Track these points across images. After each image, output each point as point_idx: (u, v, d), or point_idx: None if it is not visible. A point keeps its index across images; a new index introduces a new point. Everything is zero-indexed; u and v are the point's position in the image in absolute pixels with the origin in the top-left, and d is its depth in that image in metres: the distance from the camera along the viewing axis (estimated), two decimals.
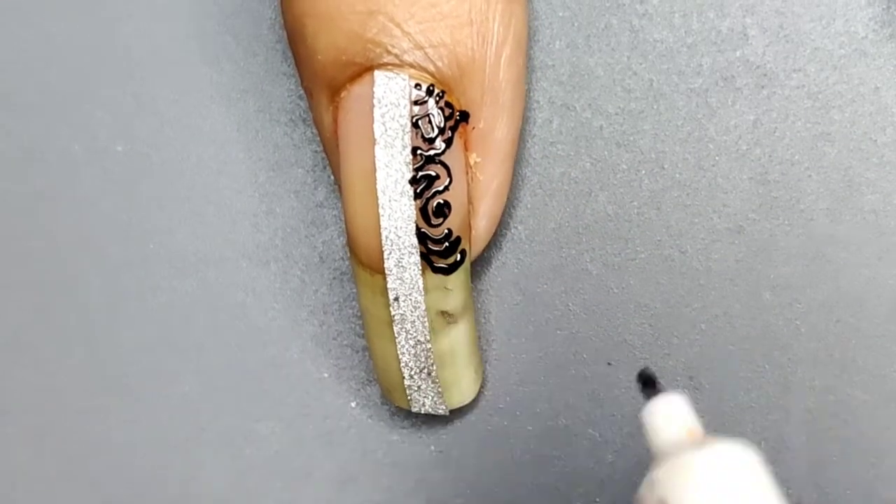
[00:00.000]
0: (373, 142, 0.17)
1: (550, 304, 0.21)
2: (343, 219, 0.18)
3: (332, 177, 0.21)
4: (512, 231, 0.21)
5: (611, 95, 0.20)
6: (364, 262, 0.18)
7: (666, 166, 0.20)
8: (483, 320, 0.21)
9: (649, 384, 0.16)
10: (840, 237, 0.20)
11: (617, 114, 0.20)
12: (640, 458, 0.21)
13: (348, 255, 0.19)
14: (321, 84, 0.18)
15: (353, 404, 0.22)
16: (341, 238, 0.21)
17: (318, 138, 0.20)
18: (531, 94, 0.21)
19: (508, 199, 0.20)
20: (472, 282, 0.21)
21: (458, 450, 0.21)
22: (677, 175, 0.20)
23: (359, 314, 0.21)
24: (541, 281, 0.21)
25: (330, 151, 0.19)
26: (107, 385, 0.22)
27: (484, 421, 0.21)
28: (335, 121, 0.18)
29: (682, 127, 0.20)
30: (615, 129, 0.20)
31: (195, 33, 0.22)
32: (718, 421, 0.20)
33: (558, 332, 0.21)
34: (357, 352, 0.22)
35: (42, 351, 0.22)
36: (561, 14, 0.21)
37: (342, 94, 0.18)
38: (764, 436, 0.20)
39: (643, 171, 0.20)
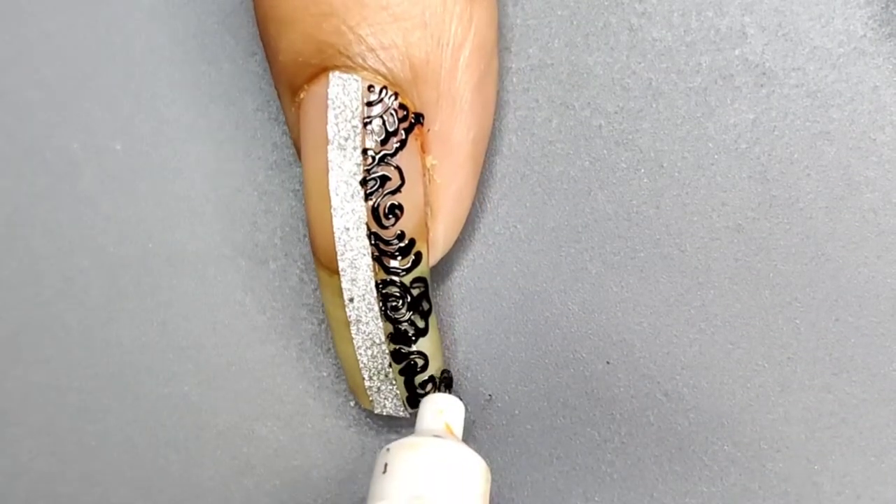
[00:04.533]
0: (326, 142, 0.17)
1: (549, 303, 0.21)
2: (307, 224, 0.19)
3: None
4: (511, 230, 0.21)
5: (610, 94, 0.20)
6: (323, 262, 0.18)
7: (665, 165, 0.20)
8: (482, 319, 0.21)
9: (447, 383, 0.19)
10: (839, 236, 0.20)
11: (616, 112, 0.20)
12: (640, 457, 0.21)
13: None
14: (284, 84, 0.18)
15: (352, 403, 0.22)
16: None
17: None
18: (530, 93, 0.21)
19: (489, 199, 0.20)
20: (466, 281, 0.21)
21: None
22: (676, 174, 0.20)
23: None
24: (540, 280, 0.21)
25: (298, 151, 0.19)
26: (106, 384, 0.22)
27: (483, 420, 0.21)
28: (299, 119, 0.18)
29: (682, 126, 0.20)
30: (614, 127, 0.20)
31: (194, 32, 0.22)
32: (717, 420, 0.20)
33: (557, 330, 0.21)
34: None
35: (41, 350, 0.22)
36: (560, 13, 0.21)
37: (301, 95, 0.18)
38: (763, 435, 0.20)
39: (642, 170, 0.20)
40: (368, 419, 0.22)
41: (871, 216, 0.20)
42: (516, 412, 0.21)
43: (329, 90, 0.17)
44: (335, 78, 0.17)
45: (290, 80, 0.18)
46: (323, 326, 0.22)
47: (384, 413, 0.20)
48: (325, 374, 0.22)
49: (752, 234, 0.20)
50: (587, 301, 0.21)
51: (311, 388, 0.22)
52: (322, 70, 0.18)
